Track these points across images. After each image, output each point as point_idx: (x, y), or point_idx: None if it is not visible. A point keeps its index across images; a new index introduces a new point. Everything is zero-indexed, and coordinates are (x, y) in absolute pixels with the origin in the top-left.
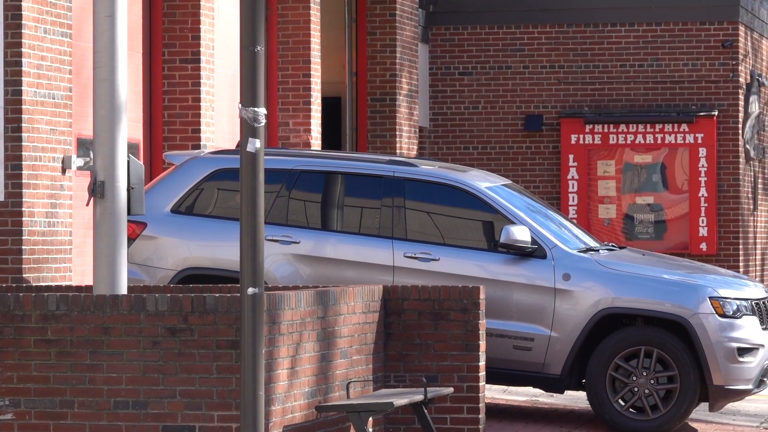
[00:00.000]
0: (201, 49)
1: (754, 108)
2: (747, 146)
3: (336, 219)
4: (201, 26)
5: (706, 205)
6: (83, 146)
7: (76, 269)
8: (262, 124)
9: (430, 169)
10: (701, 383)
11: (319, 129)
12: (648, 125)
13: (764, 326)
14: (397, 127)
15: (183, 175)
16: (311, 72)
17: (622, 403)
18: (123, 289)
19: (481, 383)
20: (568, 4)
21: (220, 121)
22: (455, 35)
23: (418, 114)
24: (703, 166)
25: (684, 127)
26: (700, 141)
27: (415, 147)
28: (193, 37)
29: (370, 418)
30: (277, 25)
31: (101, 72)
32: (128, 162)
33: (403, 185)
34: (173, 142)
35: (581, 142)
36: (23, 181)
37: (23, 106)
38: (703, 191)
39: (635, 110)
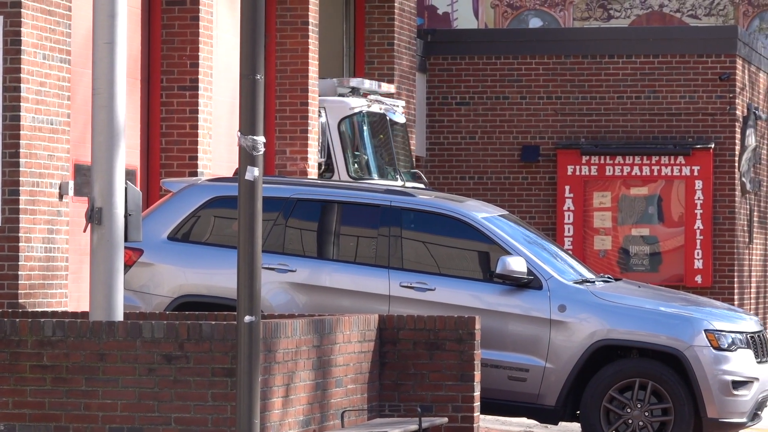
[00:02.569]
0: (199, 76)
1: (751, 141)
2: (743, 179)
3: (332, 248)
4: (200, 54)
5: (701, 237)
6: (81, 172)
7: (73, 295)
8: (261, 152)
9: (426, 199)
10: (695, 416)
11: (317, 157)
12: (644, 157)
13: (759, 359)
14: None
15: (180, 202)
16: (309, 100)
17: None
18: (119, 316)
19: (476, 413)
20: (565, 35)
21: (217, 148)
22: (453, 65)
23: (415, 143)
24: (699, 198)
25: (680, 159)
26: (696, 173)
27: None
28: (192, 64)
29: None
30: (276, 53)
31: (100, 99)
32: (126, 189)
33: (400, 215)
34: (170, 169)
35: (577, 173)
36: (20, 206)
37: (21, 132)
38: (698, 224)
39: (632, 142)
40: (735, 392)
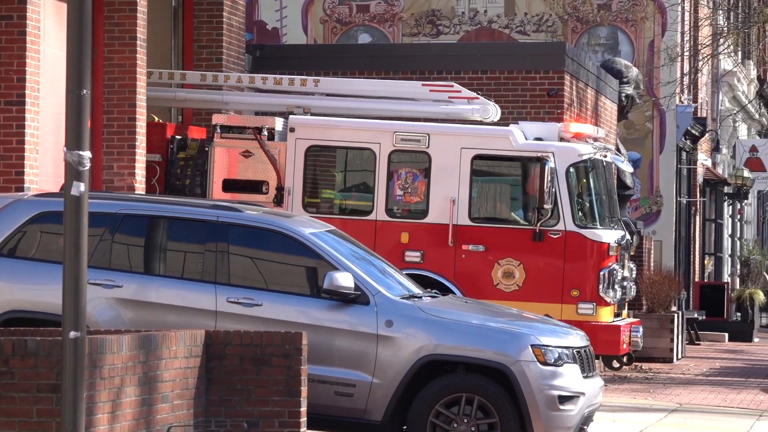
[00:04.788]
0: (26, 91)
1: None
2: None
3: (159, 263)
4: (27, 68)
5: None
6: None
7: None
8: (87, 167)
9: (254, 215)
10: (522, 430)
11: (144, 173)
12: None
13: (585, 374)
14: None
15: (6, 217)
16: (137, 115)
17: None
18: None
19: (303, 429)
20: (394, 51)
21: (44, 163)
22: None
23: None
24: None
25: None
26: None
27: None
28: (19, 79)
29: None
30: (104, 68)
31: None
32: None
33: (227, 230)
34: None
35: None
36: None
37: None
38: None
39: None
40: (561, 407)
